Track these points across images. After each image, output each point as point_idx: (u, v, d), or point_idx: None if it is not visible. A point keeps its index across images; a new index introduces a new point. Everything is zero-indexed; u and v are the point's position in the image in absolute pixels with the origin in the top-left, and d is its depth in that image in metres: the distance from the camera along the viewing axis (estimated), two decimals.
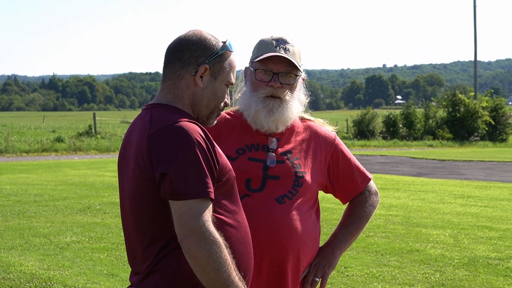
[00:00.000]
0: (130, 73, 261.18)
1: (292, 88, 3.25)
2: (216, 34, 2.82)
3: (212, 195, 2.55)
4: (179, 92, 2.75)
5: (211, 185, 2.56)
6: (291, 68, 3.22)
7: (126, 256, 2.90)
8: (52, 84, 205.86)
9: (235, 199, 2.77)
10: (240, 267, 2.66)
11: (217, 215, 2.64)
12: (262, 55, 3.22)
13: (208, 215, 2.52)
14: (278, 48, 3.22)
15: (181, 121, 2.61)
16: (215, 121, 2.85)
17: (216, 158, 2.63)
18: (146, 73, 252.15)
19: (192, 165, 2.53)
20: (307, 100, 3.41)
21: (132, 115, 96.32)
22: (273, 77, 3.21)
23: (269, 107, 3.20)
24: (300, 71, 3.25)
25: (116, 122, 63.74)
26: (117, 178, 2.88)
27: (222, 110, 2.85)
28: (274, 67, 3.21)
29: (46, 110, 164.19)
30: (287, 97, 3.23)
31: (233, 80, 2.82)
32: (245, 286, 2.61)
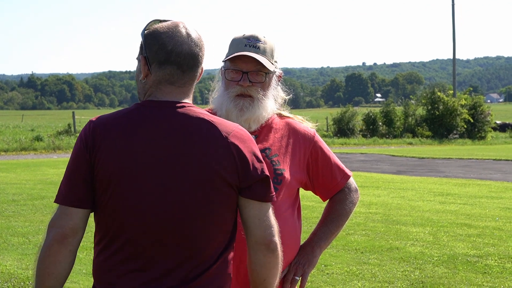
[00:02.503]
0: (110, 71, 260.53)
1: (264, 86, 3.23)
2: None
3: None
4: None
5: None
6: (261, 67, 3.19)
7: None
8: (31, 82, 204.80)
9: None
10: None
11: None
12: (232, 54, 3.21)
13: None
14: (248, 46, 3.21)
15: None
16: None
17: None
18: (126, 72, 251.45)
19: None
20: (288, 97, 3.40)
21: None
22: (243, 76, 3.19)
23: (239, 106, 3.19)
24: (269, 69, 3.21)
25: None
26: None
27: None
28: (243, 66, 3.20)
29: (25, 109, 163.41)
30: (259, 95, 3.21)
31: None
32: None
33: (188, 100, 2.61)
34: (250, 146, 2.57)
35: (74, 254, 2.55)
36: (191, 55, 2.57)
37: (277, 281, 2.63)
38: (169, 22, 2.61)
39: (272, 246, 2.55)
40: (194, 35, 2.60)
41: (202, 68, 2.65)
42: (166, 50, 2.55)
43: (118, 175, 2.48)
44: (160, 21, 2.63)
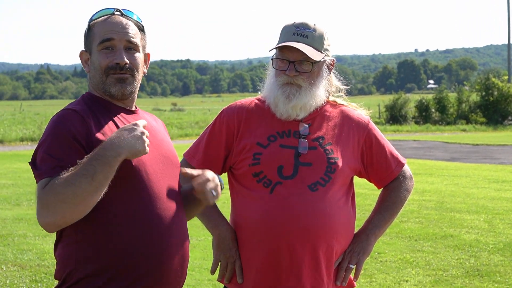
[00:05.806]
0: (162, 60, 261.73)
1: (312, 75, 3.18)
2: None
3: None
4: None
5: None
6: (307, 56, 3.13)
7: None
8: (84, 72, 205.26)
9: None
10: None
11: None
12: (280, 43, 3.18)
13: None
14: (296, 35, 3.17)
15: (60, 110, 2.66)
16: (120, 86, 2.75)
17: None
18: (178, 61, 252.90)
19: None
20: (345, 87, 3.36)
21: (164, 102, 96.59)
22: (289, 65, 3.16)
23: (286, 94, 3.16)
24: (314, 59, 3.14)
25: (148, 109, 63.94)
26: None
27: (114, 69, 2.73)
28: (290, 55, 3.16)
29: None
30: (306, 84, 3.17)
31: (102, 37, 2.71)
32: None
33: None
34: None
35: None
36: None
37: None
38: None
39: None
40: None
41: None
42: None
43: None
44: None
